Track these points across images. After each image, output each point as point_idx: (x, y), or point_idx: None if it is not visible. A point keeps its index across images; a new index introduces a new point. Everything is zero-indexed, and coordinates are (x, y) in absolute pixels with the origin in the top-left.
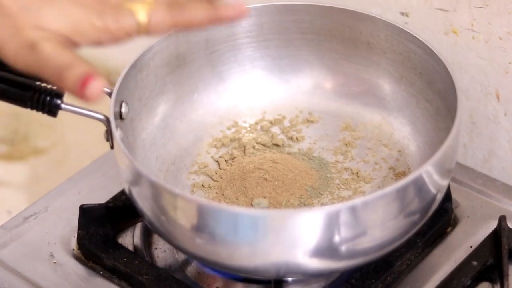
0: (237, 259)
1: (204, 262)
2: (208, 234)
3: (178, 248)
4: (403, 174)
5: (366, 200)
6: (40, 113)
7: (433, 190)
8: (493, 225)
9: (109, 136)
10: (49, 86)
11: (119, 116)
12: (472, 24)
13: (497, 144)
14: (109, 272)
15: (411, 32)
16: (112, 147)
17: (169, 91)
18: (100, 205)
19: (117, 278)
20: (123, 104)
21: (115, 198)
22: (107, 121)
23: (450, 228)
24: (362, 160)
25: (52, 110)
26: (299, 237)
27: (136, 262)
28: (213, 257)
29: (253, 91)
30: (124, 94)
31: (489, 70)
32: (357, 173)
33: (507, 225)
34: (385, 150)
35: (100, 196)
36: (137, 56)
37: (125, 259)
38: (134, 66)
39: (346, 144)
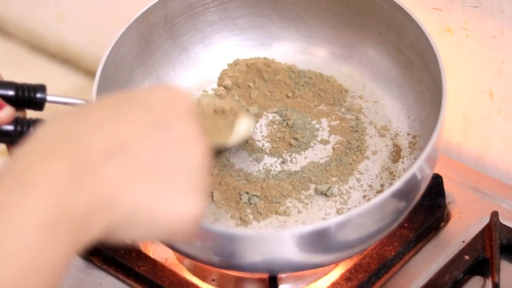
0: (230, 260)
1: (196, 260)
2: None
3: (169, 247)
4: (385, 129)
5: (352, 215)
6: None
7: (419, 179)
8: (485, 220)
9: None
10: (28, 117)
11: None
12: (466, 23)
13: (491, 143)
14: (107, 264)
15: None
16: None
17: (136, 76)
18: None
19: (114, 270)
20: None
21: None
22: None
23: (443, 223)
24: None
25: None
26: (290, 248)
27: (133, 254)
28: (205, 259)
29: (217, 55)
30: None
31: (482, 68)
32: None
33: (499, 221)
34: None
35: None
36: (104, 59)
37: (122, 251)
38: (103, 69)
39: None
